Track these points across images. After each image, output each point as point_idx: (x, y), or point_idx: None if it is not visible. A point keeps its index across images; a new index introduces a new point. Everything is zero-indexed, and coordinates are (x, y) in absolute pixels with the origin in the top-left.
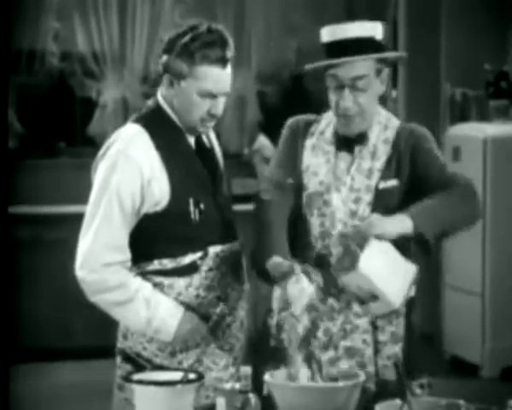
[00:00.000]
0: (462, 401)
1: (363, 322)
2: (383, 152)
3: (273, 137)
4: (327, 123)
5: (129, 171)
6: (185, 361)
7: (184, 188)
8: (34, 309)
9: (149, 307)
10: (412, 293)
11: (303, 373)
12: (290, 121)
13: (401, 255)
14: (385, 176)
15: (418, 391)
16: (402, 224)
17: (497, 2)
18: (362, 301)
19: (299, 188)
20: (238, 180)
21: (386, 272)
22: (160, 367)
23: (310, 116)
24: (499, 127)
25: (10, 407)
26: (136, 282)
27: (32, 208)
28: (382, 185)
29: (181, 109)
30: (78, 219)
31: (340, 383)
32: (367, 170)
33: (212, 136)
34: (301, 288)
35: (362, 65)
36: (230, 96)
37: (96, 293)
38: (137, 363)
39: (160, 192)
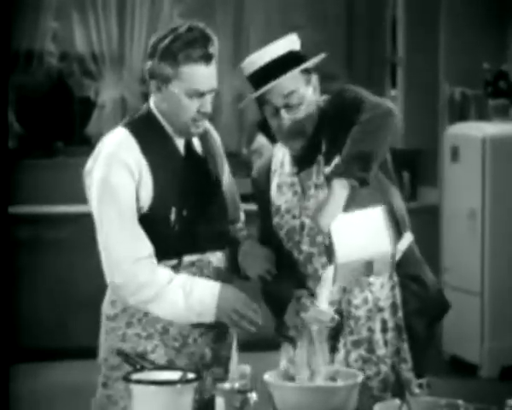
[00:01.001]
0: (461, 401)
1: (363, 311)
2: (322, 141)
3: (272, 136)
4: (283, 153)
5: (123, 173)
6: (157, 361)
7: (167, 195)
8: (33, 309)
9: (185, 294)
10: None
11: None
12: (252, 176)
13: (361, 207)
14: (327, 159)
15: (417, 391)
16: (338, 195)
17: (497, 1)
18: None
19: (275, 228)
20: (236, 180)
21: (362, 238)
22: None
23: (264, 160)
24: (498, 127)
25: (10, 406)
26: (167, 273)
27: (30, 208)
28: (327, 170)
29: (171, 113)
30: (76, 218)
31: (339, 383)
32: (322, 170)
33: (217, 143)
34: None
35: (288, 81)
36: (229, 94)
37: (132, 295)
38: (131, 364)
39: (145, 196)
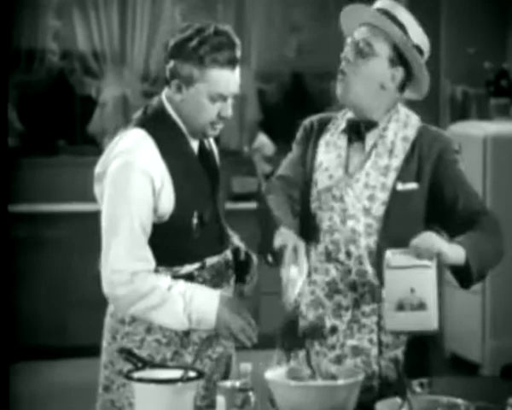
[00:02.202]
0: (462, 400)
1: (370, 321)
2: (401, 150)
3: (273, 135)
4: (344, 119)
5: (142, 183)
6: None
7: (188, 200)
8: (33, 307)
9: (185, 301)
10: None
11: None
12: (305, 122)
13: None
14: (403, 176)
15: (418, 390)
16: (458, 251)
17: (497, 0)
18: (400, 307)
19: (308, 184)
20: (238, 179)
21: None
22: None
23: (327, 114)
24: (499, 126)
25: (9, 404)
26: (167, 281)
27: (31, 206)
28: (400, 187)
29: (190, 114)
30: (77, 217)
31: (340, 381)
32: (383, 168)
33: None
34: (300, 270)
35: (372, 36)
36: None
37: (131, 305)
38: (133, 362)
39: (167, 203)
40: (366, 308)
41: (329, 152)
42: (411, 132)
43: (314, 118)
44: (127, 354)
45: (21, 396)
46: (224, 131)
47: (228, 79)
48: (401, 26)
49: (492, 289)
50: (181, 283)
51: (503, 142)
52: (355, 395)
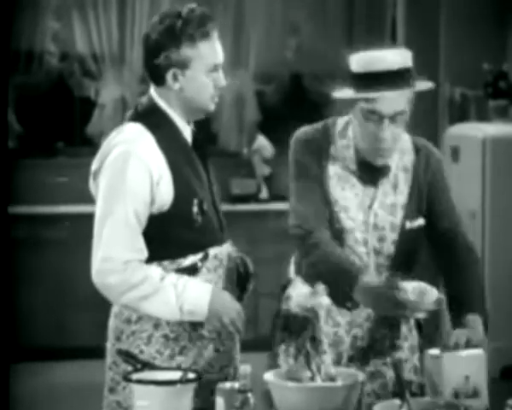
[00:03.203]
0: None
1: (383, 346)
2: (404, 183)
3: (272, 136)
4: (345, 146)
5: (139, 172)
6: (183, 364)
7: (187, 189)
8: (32, 308)
9: (177, 292)
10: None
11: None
12: (302, 140)
13: None
14: (409, 213)
15: (417, 391)
16: (476, 324)
17: (497, 1)
18: (456, 396)
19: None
20: (237, 180)
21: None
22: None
23: (319, 131)
24: (498, 127)
25: (9, 405)
26: (159, 271)
27: (30, 208)
28: (409, 225)
29: (192, 97)
30: (76, 218)
31: (339, 383)
32: (390, 206)
33: None
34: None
35: (403, 99)
36: (229, 95)
37: (122, 294)
38: (132, 364)
39: (166, 194)
40: (377, 335)
41: (344, 189)
42: (409, 159)
43: (313, 138)
44: (125, 355)
45: (21, 397)
46: (223, 132)
47: (216, 48)
48: (407, 73)
49: (492, 290)
50: (173, 274)
51: (502, 143)
52: (354, 397)
